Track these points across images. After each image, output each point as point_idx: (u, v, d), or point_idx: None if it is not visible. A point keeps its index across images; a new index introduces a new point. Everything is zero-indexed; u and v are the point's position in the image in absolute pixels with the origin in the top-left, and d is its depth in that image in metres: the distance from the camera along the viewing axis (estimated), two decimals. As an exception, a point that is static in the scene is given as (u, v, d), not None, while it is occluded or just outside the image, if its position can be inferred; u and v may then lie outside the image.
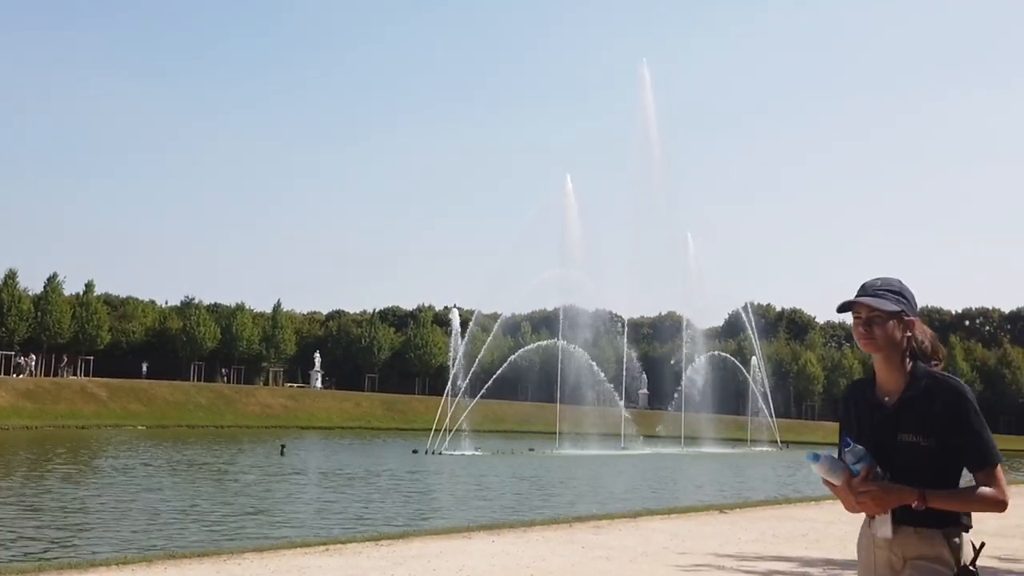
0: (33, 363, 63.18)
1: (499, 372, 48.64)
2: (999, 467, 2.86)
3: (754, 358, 63.03)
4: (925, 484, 2.82)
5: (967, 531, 2.89)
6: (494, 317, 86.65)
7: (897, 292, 2.97)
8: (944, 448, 2.84)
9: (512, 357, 51.67)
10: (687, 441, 53.49)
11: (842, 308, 3.00)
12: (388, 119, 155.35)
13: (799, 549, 10.16)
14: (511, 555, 9.31)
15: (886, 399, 2.96)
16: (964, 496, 2.83)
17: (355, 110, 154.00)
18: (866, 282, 3.01)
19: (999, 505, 2.83)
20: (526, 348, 55.86)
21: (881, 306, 2.91)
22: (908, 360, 2.96)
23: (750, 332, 67.58)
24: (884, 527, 2.93)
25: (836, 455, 2.94)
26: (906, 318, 2.94)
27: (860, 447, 2.85)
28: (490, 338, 57.92)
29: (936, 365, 2.99)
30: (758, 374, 62.41)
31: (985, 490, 2.83)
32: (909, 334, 2.95)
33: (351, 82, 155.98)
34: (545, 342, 56.06)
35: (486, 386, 49.68)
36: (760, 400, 60.73)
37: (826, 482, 2.92)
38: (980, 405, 2.83)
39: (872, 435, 2.93)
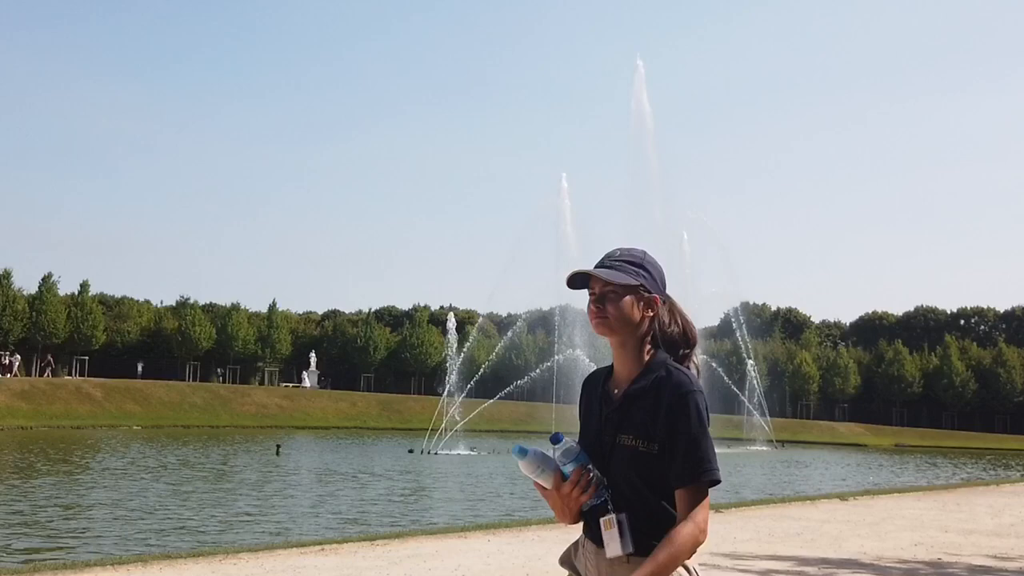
0: (18, 363, 63.04)
1: (508, 388, 49.02)
2: (708, 492, 2.34)
3: (749, 361, 62.93)
4: (643, 497, 2.36)
5: (690, 556, 2.38)
6: (492, 318, 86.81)
7: (638, 264, 2.50)
8: (663, 456, 2.36)
9: (523, 381, 52.13)
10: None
11: (573, 282, 2.50)
12: (384, 118, 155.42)
13: (794, 548, 10.17)
14: (507, 554, 9.31)
15: (616, 392, 2.50)
16: (663, 556, 2.27)
17: (350, 109, 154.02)
18: (608, 252, 2.55)
19: (694, 548, 2.30)
20: (538, 369, 55.97)
21: (614, 279, 2.44)
22: (649, 347, 2.49)
23: (740, 335, 67.76)
24: (614, 544, 2.38)
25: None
26: (646, 295, 2.48)
27: (574, 444, 2.42)
28: (494, 353, 58.09)
29: (686, 357, 2.53)
30: (750, 374, 62.42)
31: (680, 534, 2.27)
32: (651, 314, 2.48)
33: (347, 81, 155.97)
34: (570, 351, 56.01)
35: (498, 395, 49.95)
36: (747, 401, 60.60)
37: (536, 484, 2.46)
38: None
39: (596, 433, 2.49)
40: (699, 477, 2.31)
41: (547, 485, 2.41)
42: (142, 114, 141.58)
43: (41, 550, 12.42)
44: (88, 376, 66.34)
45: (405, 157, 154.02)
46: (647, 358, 2.48)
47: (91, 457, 30.60)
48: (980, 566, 9.16)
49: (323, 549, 9.56)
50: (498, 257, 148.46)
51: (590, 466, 2.39)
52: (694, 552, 2.31)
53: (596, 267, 2.50)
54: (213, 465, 28.60)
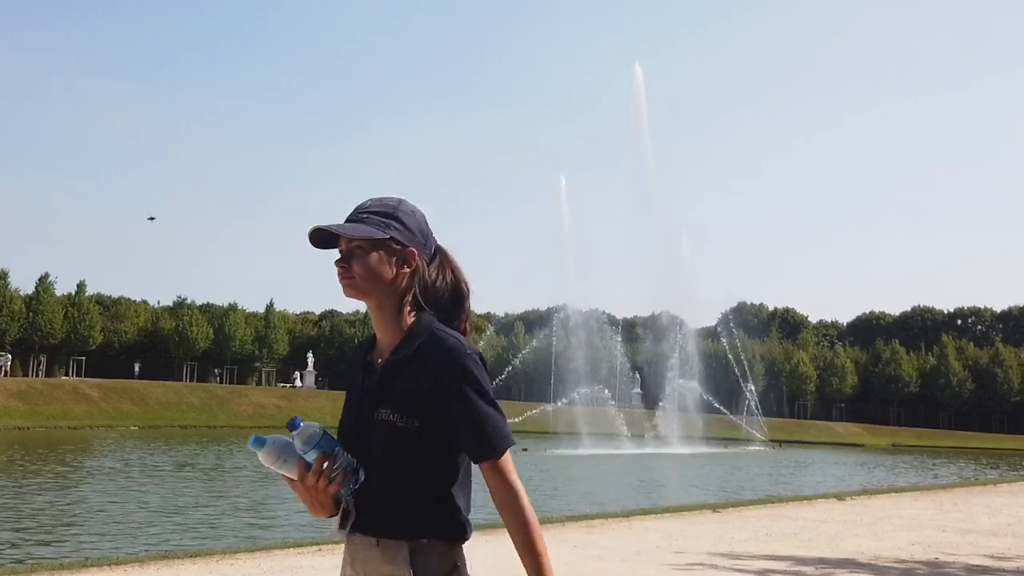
0: (9, 362, 62.95)
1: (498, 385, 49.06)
2: (507, 454, 2.14)
3: (749, 386, 62.69)
4: (401, 477, 2.10)
5: (454, 543, 2.17)
6: (490, 318, 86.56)
7: (388, 215, 2.19)
8: (432, 432, 2.09)
9: (503, 377, 52.29)
10: (680, 440, 53.56)
11: (317, 241, 2.21)
12: (384, 118, 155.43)
13: (791, 548, 10.17)
14: (505, 555, 9.26)
15: (379, 362, 2.21)
16: (537, 547, 2.15)
17: (350, 109, 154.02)
18: (359, 204, 2.24)
19: (520, 511, 2.15)
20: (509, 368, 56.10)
21: (356, 233, 2.15)
22: (411, 309, 2.20)
23: (731, 339, 67.96)
24: (334, 525, 2.18)
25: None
26: (400, 248, 2.18)
27: (316, 429, 2.11)
28: (517, 362, 57.92)
29: (462, 321, 2.24)
30: (748, 398, 62.36)
31: (524, 513, 2.15)
32: (407, 270, 2.19)
33: (347, 81, 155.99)
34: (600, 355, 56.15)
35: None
36: (743, 423, 60.31)
37: (285, 478, 2.16)
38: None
39: (357, 409, 2.20)
40: (496, 449, 2.10)
41: (293, 476, 2.12)
42: (140, 113, 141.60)
43: (38, 550, 12.41)
44: (85, 376, 66.29)
45: (404, 157, 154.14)
46: (409, 322, 2.19)
47: (88, 457, 30.56)
48: (977, 566, 9.16)
49: (320, 549, 9.54)
50: (496, 257, 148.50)
51: (337, 450, 2.12)
52: (523, 515, 2.15)
53: (346, 221, 2.20)
54: (210, 465, 28.58)
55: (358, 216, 2.19)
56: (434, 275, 2.23)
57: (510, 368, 55.22)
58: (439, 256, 2.27)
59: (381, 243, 2.16)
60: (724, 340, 67.78)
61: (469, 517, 2.24)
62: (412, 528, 2.10)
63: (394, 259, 2.18)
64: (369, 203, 2.23)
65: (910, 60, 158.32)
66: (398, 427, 2.09)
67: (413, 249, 2.19)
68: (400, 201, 2.24)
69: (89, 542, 13.26)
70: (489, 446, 2.10)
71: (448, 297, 2.23)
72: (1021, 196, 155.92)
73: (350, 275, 2.17)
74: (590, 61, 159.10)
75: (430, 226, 2.29)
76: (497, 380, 53.69)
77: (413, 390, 2.10)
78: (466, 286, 2.28)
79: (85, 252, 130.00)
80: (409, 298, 2.19)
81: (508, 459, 2.13)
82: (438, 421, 2.09)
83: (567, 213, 62.21)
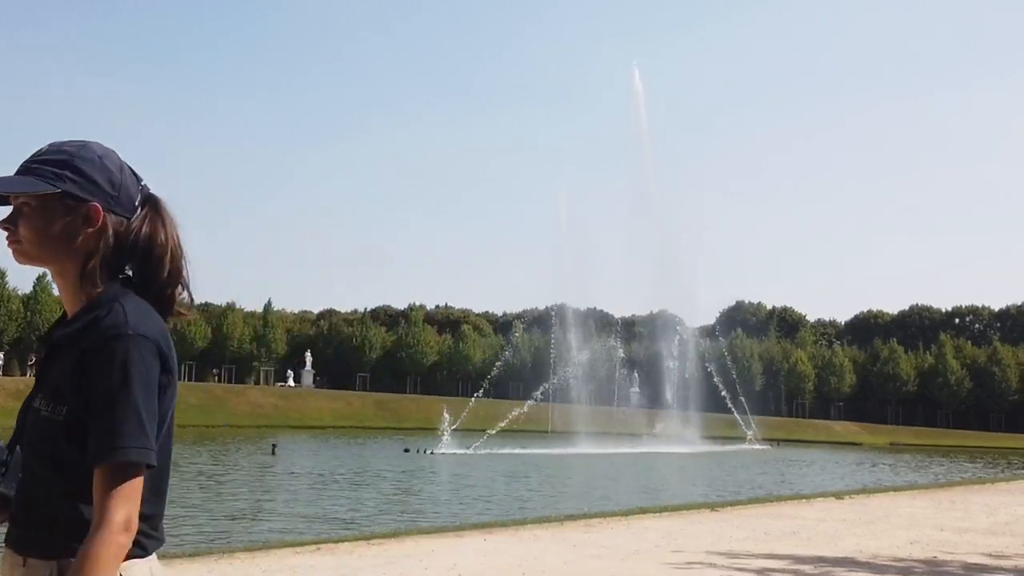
0: (1, 361, 63.01)
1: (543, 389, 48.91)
2: (133, 476, 1.68)
3: (750, 425, 62.54)
4: (47, 480, 1.74)
5: (137, 558, 1.74)
6: (488, 317, 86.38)
7: (63, 164, 1.78)
8: (80, 426, 1.71)
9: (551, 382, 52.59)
10: (679, 439, 53.59)
11: None
12: (384, 118, 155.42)
13: (790, 547, 10.18)
14: (503, 553, 9.30)
15: None
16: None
17: (350, 109, 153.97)
18: (36, 151, 1.83)
19: (118, 559, 1.62)
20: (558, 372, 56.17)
21: (16, 188, 1.75)
22: (102, 278, 1.80)
23: (717, 345, 68.05)
24: None
25: None
26: (76, 204, 1.78)
27: None
28: (571, 352, 57.81)
29: (158, 289, 1.87)
30: (732, 374, 62.25)
31: (88, 551, 1.59)
32: (90, 229, 1.78)
33: (347, 81, 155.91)
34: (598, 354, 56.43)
35: (531, 397, 50.11)
36: (730, 399, 60.11)
37: None
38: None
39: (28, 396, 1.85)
40: (106, 455, 1.65)
41: None
42: (139, 112, 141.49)
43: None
44: (83, 376, 66.26)
45: (404, 156, 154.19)
46: (96, 293, 1.79)
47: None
48: (976, 564, 9.17)
49: (319, 548, 9.54)
50: (496, 257, 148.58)
51: None
52: (119, 561, 1.64)
53: (16, 173, 1.80)
54: (208, 465, 28.57)
55: (28, 167, 1.79)
56: (132, 234, 1.83)
57: (547, 387, 55.20)
58: (147, 209, 1.88)
59: (53, 199, 1.77)
60: (708, 349, 67.82)
61: (155, 530, 1.85)
62: (64, 543, 1.70)
63: (70, 218, 1.78)
64: (45, 149, 1.82)
65: (910, 60, 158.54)
66: (43, 416, 1.76)
67: (96, 204, 1.79)
68: (82, 145, 1.82)
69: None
70: (97, 447, 1.66)
71: (139, 261, 1.84)
72: (1020, 196, 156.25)
73: (17, 238, 1.79)
74: (590, 61, 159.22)
75: (132, 172, 1.88)
76: (544, 385, 53.86)
77: (65, 373, 1.74)
78: (162, 248, 1.85)
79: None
80: (96, 263, 1.79)
81: (126, 488, 1.66)
82: (80, 416, 1.71)
83: (565, 216, 62.56)
